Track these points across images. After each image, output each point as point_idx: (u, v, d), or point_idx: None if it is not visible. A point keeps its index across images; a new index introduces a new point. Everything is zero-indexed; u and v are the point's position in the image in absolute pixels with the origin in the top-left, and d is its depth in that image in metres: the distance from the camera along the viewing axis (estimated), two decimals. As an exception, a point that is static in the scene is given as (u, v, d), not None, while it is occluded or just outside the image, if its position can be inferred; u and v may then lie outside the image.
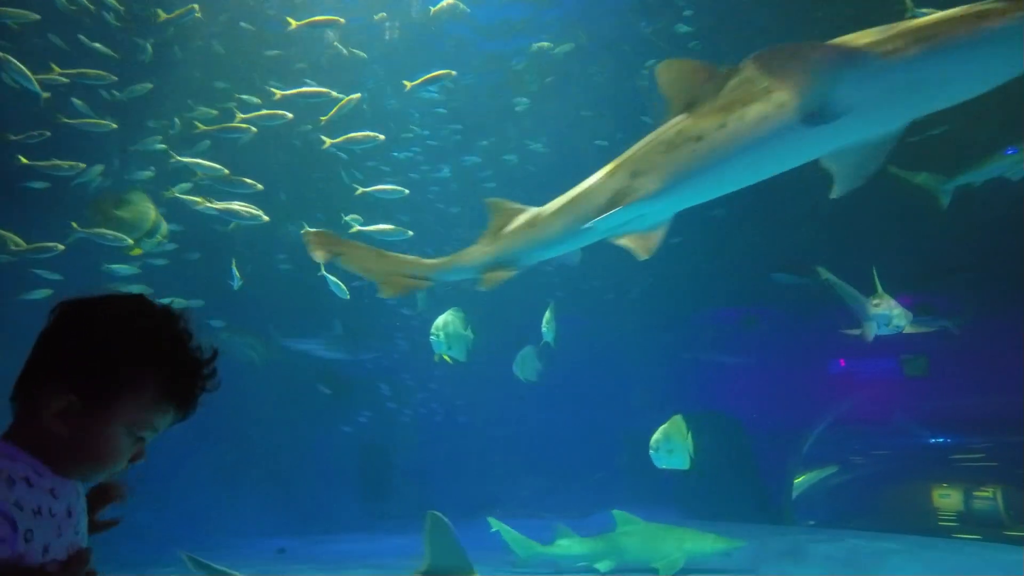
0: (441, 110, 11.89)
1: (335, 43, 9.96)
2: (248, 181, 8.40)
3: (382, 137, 8.93)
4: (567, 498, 15.37)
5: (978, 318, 13.32)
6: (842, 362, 16.45)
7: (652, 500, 14.75)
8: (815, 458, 14.76)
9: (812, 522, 13.77)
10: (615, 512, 9.34)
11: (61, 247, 8.14)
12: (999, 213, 12.31)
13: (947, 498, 13.20)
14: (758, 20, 10.63)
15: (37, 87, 7.36)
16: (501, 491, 15.73)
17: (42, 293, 8.18)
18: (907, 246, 13.38)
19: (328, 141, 8.85)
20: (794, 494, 14.63)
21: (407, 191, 9.59)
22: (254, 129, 8.71)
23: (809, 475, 14.80)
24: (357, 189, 9.45)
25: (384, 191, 9.49)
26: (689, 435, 6.83)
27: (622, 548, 8.98)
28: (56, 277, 8.42)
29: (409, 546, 12.41)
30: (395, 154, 12.27)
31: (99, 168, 8.68)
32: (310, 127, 9.78)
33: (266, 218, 8.20)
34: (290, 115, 8.61)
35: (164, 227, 8.89)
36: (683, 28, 10.71)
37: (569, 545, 9.32)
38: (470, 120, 12.39)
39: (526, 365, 9.59)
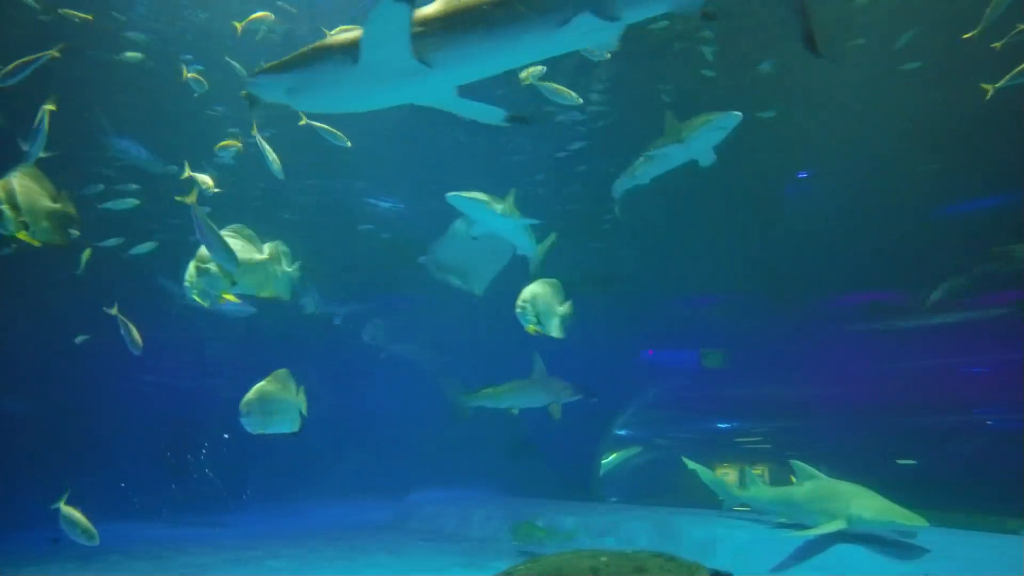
0: None
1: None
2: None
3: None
4: (386, 478, 15.30)
5: (767, 320, 15.20)
6: (650, 352, 17.92)
7: (470, 478, 15.11)
8: (623, 439, 15.97)
9: (615, 499, 14.88)
10: (794, 463, 8.66)
11: None
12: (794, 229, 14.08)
13: (727, 476, 14.84)
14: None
15: None
16: (316, 473, 15.30)
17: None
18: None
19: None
20: (601, 473, 15.73)
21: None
22: None
23: (615, 455, 15.98)
24: None
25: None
26: (301, 391, 5.92)
27: (797, 502, 8.50)
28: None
29: (216, 533, 11.73)
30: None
31: None
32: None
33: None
34: None
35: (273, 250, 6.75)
36: None
37: (758, 492, 9.50)
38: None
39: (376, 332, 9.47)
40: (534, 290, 6.53)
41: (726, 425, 15.82)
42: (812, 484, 8.31)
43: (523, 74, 7.59)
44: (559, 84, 7.74)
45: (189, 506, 13.07)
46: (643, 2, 4.55)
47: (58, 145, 6.13)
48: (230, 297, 5.78)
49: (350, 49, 4.58)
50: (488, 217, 8.58)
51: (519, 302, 6.47)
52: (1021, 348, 12.37)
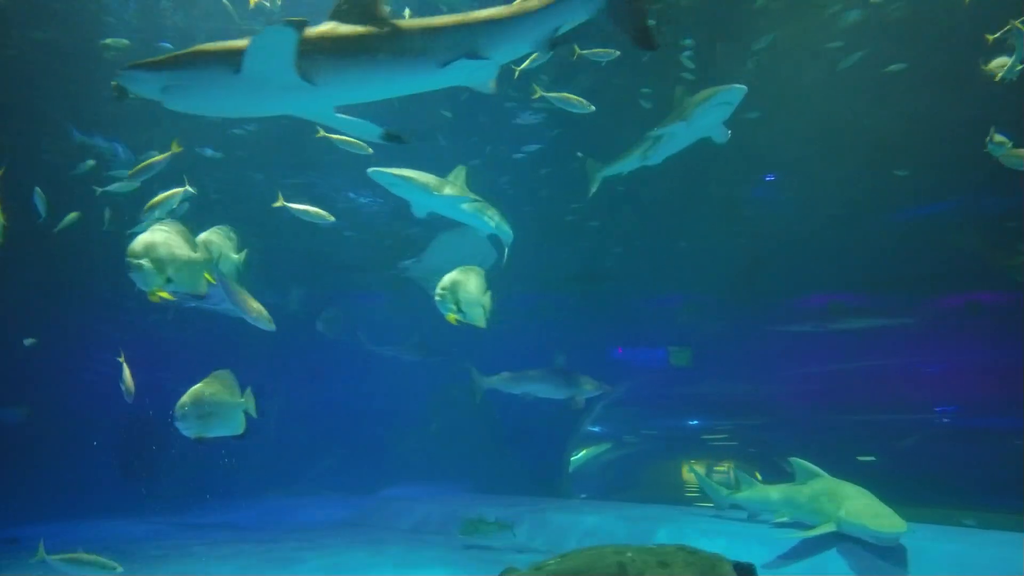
0: None
1: None
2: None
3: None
4: (359, 475, 15.21)
5: (734, 320, 15.55)
6: (619, 350, 18.11)
7: (440, 475, 15.12)
8: (592, 436, 16.16)
9: (584, 495, 15.06)
10: (793, 460, 8.37)
11: None
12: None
13: (693, 472, 15.15)
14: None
15: None
16: (289, 469, 15.14)
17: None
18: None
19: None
20: (570, 469, 15.89)
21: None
22: None
23: (585, 452, 16.16)
24: None
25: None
26: (248, 393, 5.64)
27: (796, 501, 8.30)
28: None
29: (178, 531, 11.48)
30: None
31: None
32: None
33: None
34: None
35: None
36: None
37: (753, 492, 9.21)
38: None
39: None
40: (455, 277, 6.10)
41: (693, 422, 16.11)
42: (810, 484, 8.15)
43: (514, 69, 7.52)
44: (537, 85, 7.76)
45: (160, 504, 12.81)
46: (508, 47, 5.11)
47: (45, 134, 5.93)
48: (164, 295, 5.39)
49: (233, 58, 4.63)
50: (418, 196, 7.86)
51: (438, 289, 6.06)
52: (975, 347, 12.92)
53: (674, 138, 8.40)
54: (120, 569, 6.19)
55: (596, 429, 16.30)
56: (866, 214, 13.06)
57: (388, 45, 4.81)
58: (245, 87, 4.75)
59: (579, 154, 9.98)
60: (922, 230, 13.01)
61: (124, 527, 11.38)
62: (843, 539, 7.43)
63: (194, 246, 5.65)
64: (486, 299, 6.23)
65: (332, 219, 7.26)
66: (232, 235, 6.19)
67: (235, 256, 6.12)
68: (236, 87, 4.75)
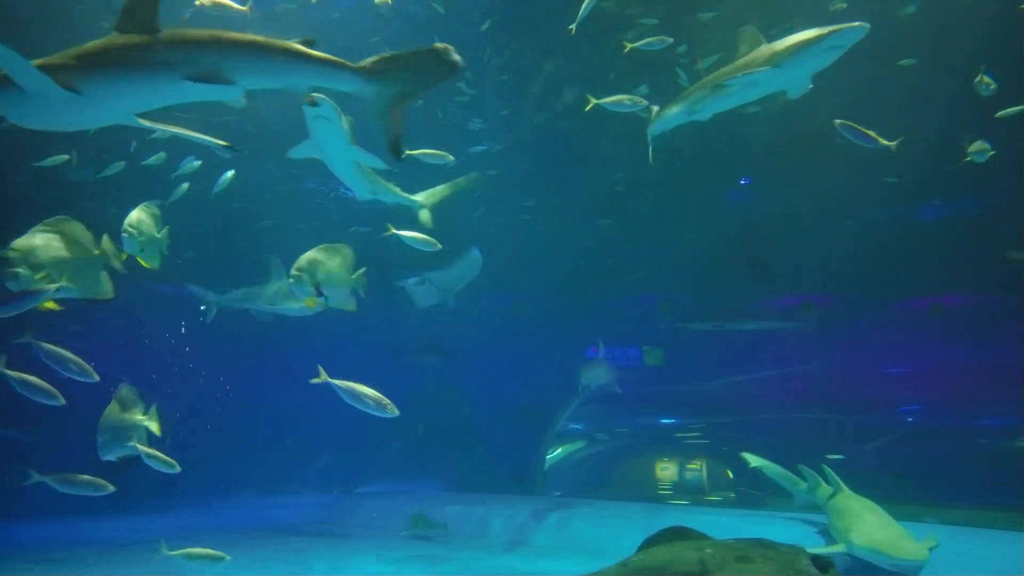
0: None
1: None
2: None
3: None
4: (340, 475, 15.16)
5: (707, 319, 15.78)
6: (594, 349, 18.24)
7: (419, 473, 15.14)
8: (565, 435, 16.29)
9: (558, 493, 15.19)
10: (825, 468, 7.85)
11: None
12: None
13: (666, 470, 15.36)
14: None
15: None
16: (258, 467, 15.03)
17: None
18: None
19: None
20: (546, 467, 16.02)
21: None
22: None
23: (561, 450, 16.30)
24: None
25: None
26: (152, 410, 5.39)
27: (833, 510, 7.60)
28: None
29: (155, 529, 11.29)
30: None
31: None
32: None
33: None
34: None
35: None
36: None
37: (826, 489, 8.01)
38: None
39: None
40: (314, 256, 5.51)
41: (667, 421, 16.33)
42: (835, 496, 7.61)
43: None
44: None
45: (141, 505, 12.67)
46: (257, 78, 5.03)
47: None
48: (52, 305, 4.97)
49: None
50: (335, 143, 6.93)
51: (293, 270, 5.48)
52: (938, 348, 13.31)
53: (750, 88, 6.85)
54: (228, 558, 6.43)
55: (570, 427, 16.45)
56: (838, 218, 13.35)
57: (140, 56, 4.76)
58: (36, 104, 4.67)
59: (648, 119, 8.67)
60: (894, 234, 13.35)
61: (105, 528, 11.25)
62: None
63: (90, 244, 5.27)
64: (355, 280, 5.69)
65: (439, 246, 7.04)
66: (157, 212, 5.96)
67: (158, 235, 5.91)
68: (31, 104, 4.67)
